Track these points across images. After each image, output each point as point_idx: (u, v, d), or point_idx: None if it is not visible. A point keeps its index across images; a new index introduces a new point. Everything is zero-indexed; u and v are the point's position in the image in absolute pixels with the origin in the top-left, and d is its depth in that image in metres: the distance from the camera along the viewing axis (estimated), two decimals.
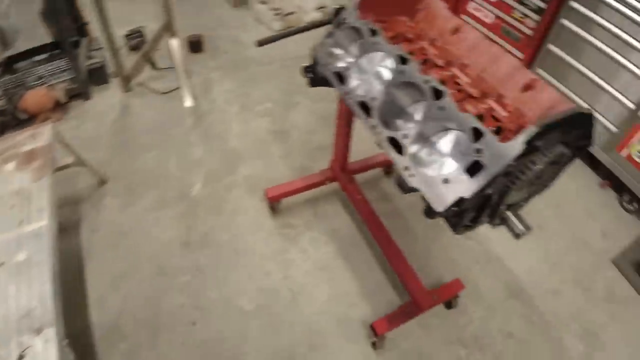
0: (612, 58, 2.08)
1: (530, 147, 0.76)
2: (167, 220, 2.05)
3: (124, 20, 2.97)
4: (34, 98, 2.36)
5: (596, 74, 2.19)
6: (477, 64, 1.04)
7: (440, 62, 1.05)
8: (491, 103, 0.96)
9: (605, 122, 2.19)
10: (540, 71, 2.45)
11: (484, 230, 1.78)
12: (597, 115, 2.16)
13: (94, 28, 2.75)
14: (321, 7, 3.38)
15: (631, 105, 2.07)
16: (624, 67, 2.04)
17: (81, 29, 2.79)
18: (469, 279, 1.83)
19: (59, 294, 1.22)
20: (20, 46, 2.69)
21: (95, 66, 2.71)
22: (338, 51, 1.22)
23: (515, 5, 2.48)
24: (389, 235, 1.76)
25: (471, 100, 0.98)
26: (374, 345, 1.62)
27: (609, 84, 2.15)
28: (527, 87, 0.97)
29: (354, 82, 1.10)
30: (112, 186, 2.19)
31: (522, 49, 2.52)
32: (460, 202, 0.82)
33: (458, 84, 1.01)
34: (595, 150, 2.27)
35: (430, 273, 1.87)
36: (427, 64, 1.07)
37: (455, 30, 1.12)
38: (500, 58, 1.02)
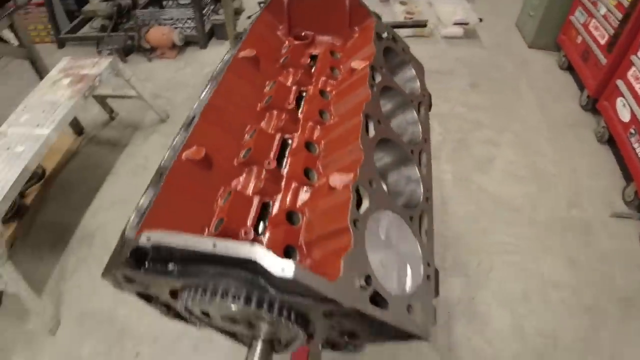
0: None
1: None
2: None
3: None
4: (155, 34, 2.96)
5: None
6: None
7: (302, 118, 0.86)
8: None
9: None
10: None
11: (464, 349, 1.68)
12: None
13: None
14: (461, 23, 3.10)
15: None
16: None
17: None
18: None
19: (18, 184, 1.62)
20: None
21: (220, 23, 3.17)
22: None
23: None
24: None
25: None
26: None
27: None
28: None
29: None
30: (166, 127, 2.64)
31: None
32: None
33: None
34: None
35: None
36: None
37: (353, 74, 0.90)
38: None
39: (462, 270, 1.91)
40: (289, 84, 0.92)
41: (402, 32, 3.28)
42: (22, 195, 2.20)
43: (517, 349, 1.67)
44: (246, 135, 0.80)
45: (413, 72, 0.99)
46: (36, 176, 2.29)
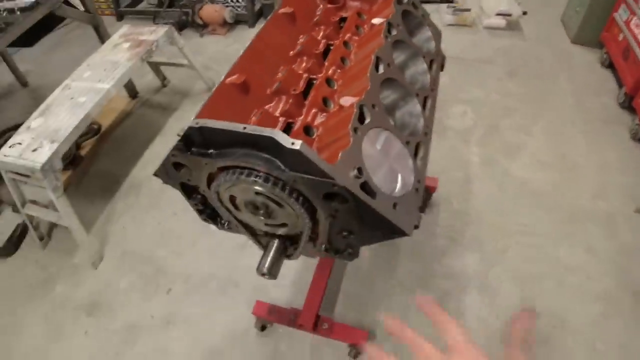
0: None
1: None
2: None
3: None
4: (208, 10, 3.18)
5: None
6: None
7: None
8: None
9: None
10: None
11: (471, 318, 1.78)
12: None
13: None
14: (504, 14, 3.12)
15: None
16: None
17: None
18: (403, 352, 1.70)
19: (78, 129, 1.86)
20: None
21: (270, 3, 3.36)
22: None
23: None
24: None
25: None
26: (262, 327, 1.77)
27: None
28: None
29: None
30: None
31: None
32: None
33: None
34: None
35: (365, 311, 1.80)
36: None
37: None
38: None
39: (478, 247, 2.00)
40: (319, 37, 1.07)
41: (444, 20, 3.35)
42: (77, 147, 2.47)
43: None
44: (279, 74, 0.96)
45: (429, 34, 1.11)
46: (92, 131, 2.55)
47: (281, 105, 0.86)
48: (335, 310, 1.81)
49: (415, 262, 1.95)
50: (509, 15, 3.28)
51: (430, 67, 1.03)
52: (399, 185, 0.76)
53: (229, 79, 0.85)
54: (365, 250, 2.00)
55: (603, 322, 1.74)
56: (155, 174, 0.91)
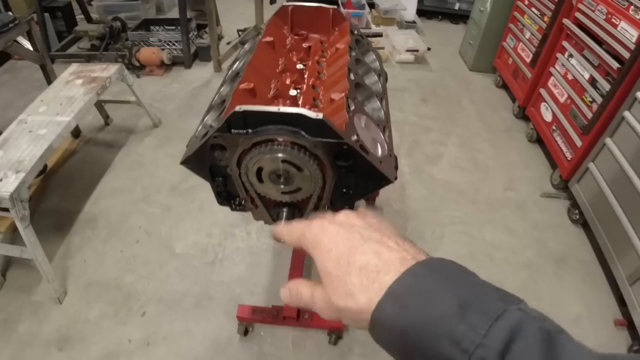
0: None
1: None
2: (176, 167, 2.71)
3: (252, 19, 3.92)
4: (146, 53, 3.38)
5: None
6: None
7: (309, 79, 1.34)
8: None
9: (637, 243, 1.99)
10: (592, 165, 2.35)
11: None
12: (630, 232, 2.01)
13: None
14: (412, 50, 3.77)
15: None
16: None
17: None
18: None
19: (42, 160, 1.94)
20: (169, 14, 3.84)
21: (204, 46, 3.66)
22: None
23: (588, 87, 2.46)
24: (303, 257, 2.02)
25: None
26: (245, 331, 1.92)
27: None
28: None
29: None
30: (159, 131, 3.00)
31: (582, 137, 2.47)
32: None
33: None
34: (620, 279, 2.11)
35: None
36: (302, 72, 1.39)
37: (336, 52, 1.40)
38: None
39: (420, 237, 2.36)
40: (294, 60, 1.40)
41: None
42: None
43: None
44: (272, 84, 1.25)
45: (374, 56, 1.50)
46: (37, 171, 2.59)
47: (281, 105, 1.15)
48: None
49: None
50: (417, 51, 3.93)
51: (379, 78, 1.40)
52: (379, 150, 1.08)
53: (241, 85, 1.12)
54: None
55: (532, 285, 2.15)
56: (184, 162, 1.13)
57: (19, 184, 1.79)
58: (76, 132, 2.92)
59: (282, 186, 1.09)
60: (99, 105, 2.91)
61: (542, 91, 2.96)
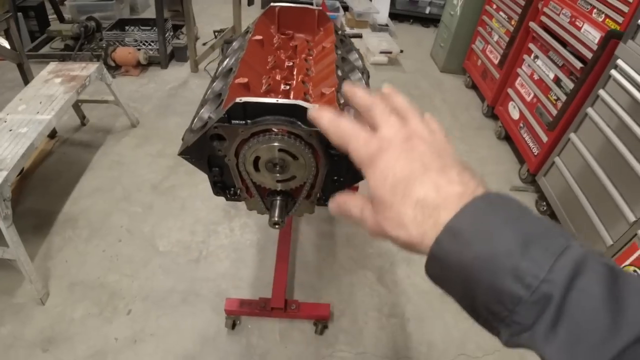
0: (628, 163, 1.97)
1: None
2: (156, 166, 2.73)
3: (227, 21, 3.94)
4: (122, 53, 3.36)
5: (608, 176, 2.11)
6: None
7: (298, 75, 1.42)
8: None
9: (603, 232, 2.11)
10: (557, 159, 2.50)
11: (405, 284, 2.16)
12: (596, 221, 2.17)
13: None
14: (386, 52, 3.90)
15: (632, 218, 1.94)
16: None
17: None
18: (358, 320, 2.00)
19: (24, 158, 1.93)
20: (143, 14, 3.83)
21: (180, 46, 3.67)
22: None
23: (553, 86, 2.62)
24: (289, 240, 2.10)
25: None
26: (233, 325, 1.94)
27: (617, 189, 2.04)
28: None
29: None
30: (137, 130, 3.00)
31: (548, 133, 2.63)
32: None
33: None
34: None
35: (319, 295, 2.09)
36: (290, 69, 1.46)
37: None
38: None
39: None
40: (282, 58, 1.46)
41: None
42: None
43: None
44: (263, 80, 1.31)
45: (357, 55, 1.59)
46: None
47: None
48: (295, 298, 2.09)
49: (351, 248, 2.32)
50: (390, 52, 4.06)
51: (362, 76, 1.49)
52: None
53: (236, 80, 1.18)
54: (309, 246, 2.34)
55: None
56: (182, 153, 1.18)
57: (2, 182, 1.78)
58: (52, 133, 2.88)
59: (277, 175, 1.15)
60: (76, 105, 2.88)
61: (510, 91, 3.13)
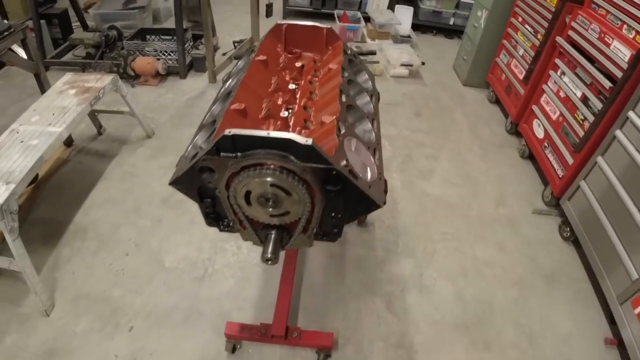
0: None
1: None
2: (168, 178, 2.68)
3: (248, 31, 3.92)
4: (141, 62, 3.37)
5: (635, 205, 1.95)
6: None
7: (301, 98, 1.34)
8: None
9: (628, 263, 1.97)
10: (583, 183, 2.35)
11: (416, 313, 2.06)
12: (622, 252, 2.03)
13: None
14: (407, 65, 3.79)
15: None
16: None
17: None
18: (363, 350, 1.90)
19: (32, 171, 1.92)
20: (166, 23, 3.84)
21: (200, 57, 3.66)
22: None
23: (580, 105, 2.47)
24: (294, 263, 2.02)
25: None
26: (233, 349, 1.88)
27: None
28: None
29: None
30: (152, 141, 2.99)
31: (574, 155, 2.48)
32: None
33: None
34: (610, 298, 2.11)
35: (324, 321, 2.01)
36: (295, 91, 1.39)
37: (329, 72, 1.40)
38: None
39: (411, 253, 2.35)
40: (287, 79, 1.39)
41: None
42: None
43: (459, 312, 2.06)
44: (264, 104, 1.24)
45: (367, 76, 1.50)
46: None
47: (272, 126, 1.14)
48: (298, 323, 1.99)
49: (360, 272, 2.23)
50: (411, 65, 3.95)
51: (371, 99, 1.40)
52: (369, 174, 1.07)
53: (233, 106, 1.11)
54: (317, 267, 2.26)
55: (523, 301, 2.13)
56: (173, 182, 1.12)
57: (9, 195, 1.76)
58: (68, 141, 2.90)
59: (270, 209, 1.08)
60: (92, 114, 2.90)
61: (535, 108, 2.98)
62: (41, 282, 2.07)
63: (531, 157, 3.07)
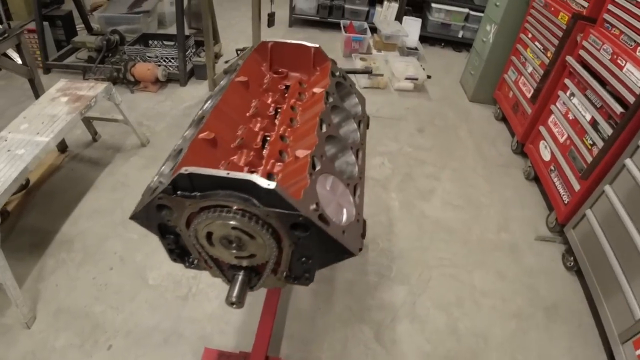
0: None
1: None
2: None
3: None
4: (141, 69, 3.32)
5: None
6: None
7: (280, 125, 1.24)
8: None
9: (632, 300, 1.86)
10: (589, 212, 2.23)
11: (405, 344, 1.97)
12: (626, 288, 1.91)
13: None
14: (411, 78, 3.68)
15: None
16: None
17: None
18: None
19: (16, 182, 1.86)
20: (171, 28, 3.79)
21: (201, 64, 3.59)
22: None
23: (589, 129, 2.36)
24: (279, 291, 1.90)
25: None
26: None
27: None
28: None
29: None
30: (146, 150, 2.93)
31: (581, 182, 2.36)
32: None
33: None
34: (612, 336, 1.98)
35: (308, 349, 1.92)
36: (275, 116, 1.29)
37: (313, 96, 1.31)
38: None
39: (405, 280, 2.25)
40: (269, 102, 1.30)
41: (361, 83, 3.83)
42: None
43: (452, 346, 1.95)
44: (239, 131, 1.16)
45: (357, 100, 1.41)
46: (19, 186, 2.52)
47: (244, 157, 1.05)
48: (281, 352, 1.91)
49: (350, 298, 2.13)
50: (416, 79, 3.84)
51: (359, 126, 1.31)
52: (344, 216, 0.98)
53: (201, 135, 1.03)
54: (305, 291, 2.16)
55: (521, 336, 2.02)
56: (133, 217, 1.04)
57: None
58: (62, 147, 2.85)
59: (234, 251, 0.99)
60: (87, 121, 2.84)
61: (542, 129, 2.86)
62: (24, 293, 2.05)
63: (536, 179, 2.95)
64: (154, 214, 0.95)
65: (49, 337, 1.91)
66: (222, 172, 0.82)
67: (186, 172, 0.83)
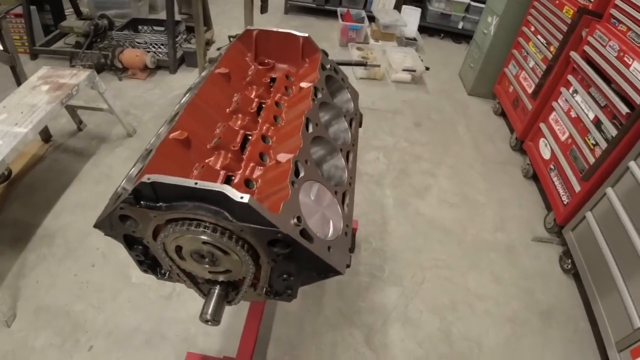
0: None
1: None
2: None
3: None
4: (129, 55, 3.18)
5: None
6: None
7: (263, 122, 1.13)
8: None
9: (630, 308, 1.80)
10: (589, 214, 2.14)
11: (397, 349, 1.89)
12: (624, 294, 1.84)
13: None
14: (409, 70, 3.56)
15: None
16: None
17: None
18: None
19: None
20: (162, 15, 3.64)
21: (191, 51, 3.45)
22: None
23: (592, 128, 2.27)
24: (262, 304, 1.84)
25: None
26: None
27: None
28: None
29: None
30: (132, 141, 2.81)
31: (582, 183, 2.26)
32: None
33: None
34: (609, 344, 1.91)
35: (296, 354, 1.84)
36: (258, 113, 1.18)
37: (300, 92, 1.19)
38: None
39: (397, 281, 2.17)
40: (252, 96, 1.19)
41: (357, 74, 3.70)
42: None
43: (444, 351, 1.89)
44: (217, 130, 1.05)
45: (349, 95, 1.30)
46: (1, 176, 2.40)
47: (221, 160, 0.95)
48: (268, 356, 1.84)
49: (341, 300, 2.05)
50: (414, 70, 3.72)
51: (350, 124, 1.20)
52: (331, 230, 0.88)
53: (172, 134, 0.92)
54: None
55: (515, 342, 1.96)
56: (96, 226, 0.93)
57: None
58: (46, 137, 2.73)
59: (207, 266, 0.88)
60: (71, 110, 2.72)
61: (542, 126, 2.76)
62: (5, 290, 1.98)
63: (535, 177, 2.85)
64: (117, 224, 0.85)
65: (28, 335, 1.84)
66: (189, 182, 0.72)
67: (149, 181, 0.73)
